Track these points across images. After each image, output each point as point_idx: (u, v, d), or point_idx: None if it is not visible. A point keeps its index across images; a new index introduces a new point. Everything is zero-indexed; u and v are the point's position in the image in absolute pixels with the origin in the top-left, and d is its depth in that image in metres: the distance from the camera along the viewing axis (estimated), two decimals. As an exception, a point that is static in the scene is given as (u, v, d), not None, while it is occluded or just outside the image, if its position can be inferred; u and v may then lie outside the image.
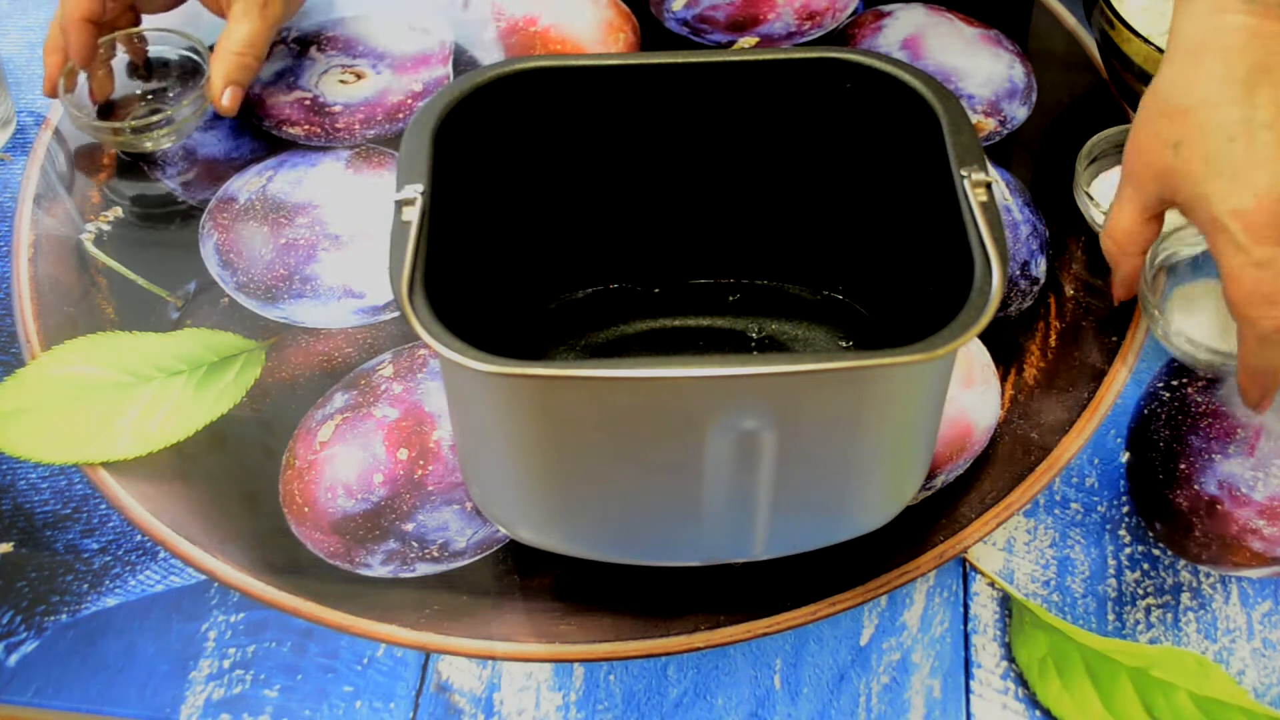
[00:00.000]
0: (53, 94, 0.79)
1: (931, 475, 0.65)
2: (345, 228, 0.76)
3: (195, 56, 0.82)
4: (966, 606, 0.62)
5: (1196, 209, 0.60)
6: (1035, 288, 0.73)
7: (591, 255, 0.68)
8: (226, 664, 0.60)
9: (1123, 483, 0.66)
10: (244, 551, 0.64)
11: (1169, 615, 0.61)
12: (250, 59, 0.79)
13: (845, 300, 0.69)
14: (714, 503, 0.54)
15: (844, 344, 0.68)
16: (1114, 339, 0.71)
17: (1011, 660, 0.60)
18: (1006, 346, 0.71)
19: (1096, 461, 0.66)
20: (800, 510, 0.56)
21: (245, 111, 0.82)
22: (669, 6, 0.89)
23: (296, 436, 0.67)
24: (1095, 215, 0.73)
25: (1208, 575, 0.63)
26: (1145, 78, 0.75)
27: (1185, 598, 0.62)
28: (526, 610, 0.61)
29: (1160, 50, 0.72)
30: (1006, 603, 0.62)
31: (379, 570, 0.63)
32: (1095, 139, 0.75)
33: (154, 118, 0.79)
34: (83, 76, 0.80)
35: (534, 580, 0.62)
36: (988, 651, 0.60)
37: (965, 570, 0.63)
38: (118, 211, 0.78)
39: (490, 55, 0.87)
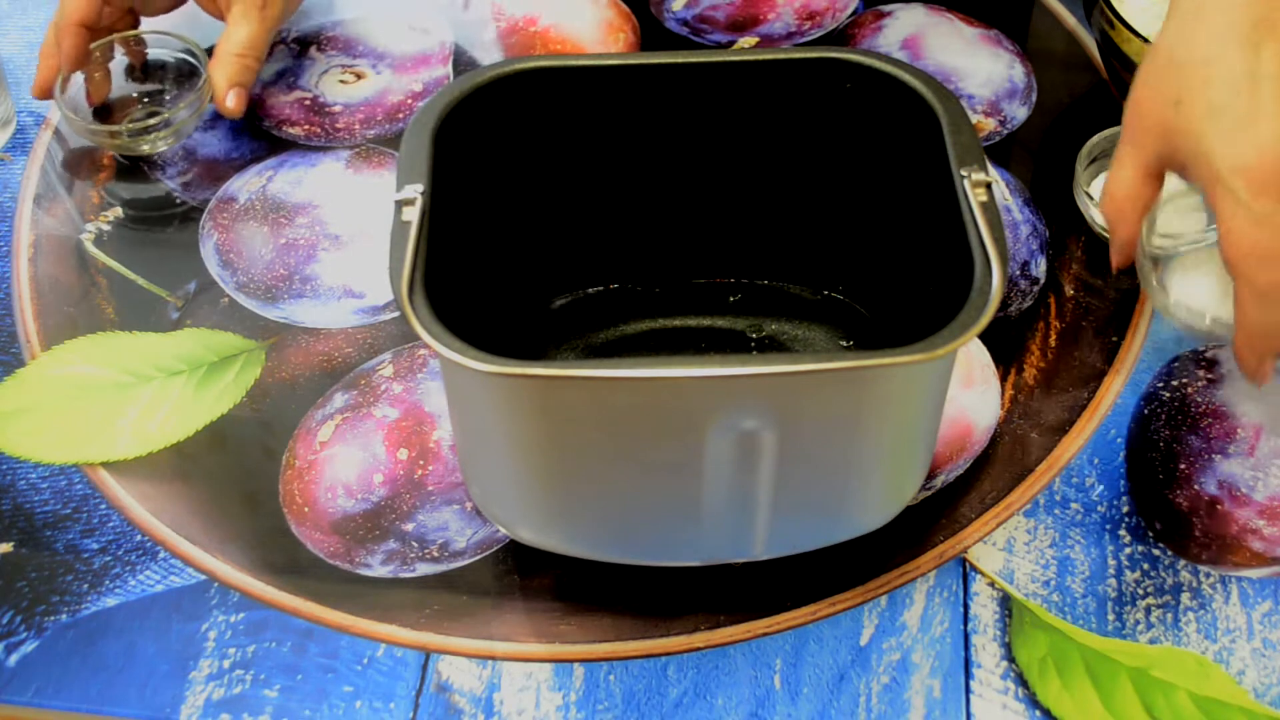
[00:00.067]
0: (41, 96, 0.79)
1: (931, 475, 0.65)
2: (345, 228, 0.76)
3: (192, 59, 0.81)
4: (966, 606, 0.62)
5: (1197, 165, 0.58)
6: (1035, 288, 0.73)
7: (592, 255, 0.68)
8: (226, 664, 0.60)
9: (1123, 483, 0.66)
10: (244, 551, 0.64)
11: (1169, 615, 0.61)
12: (251, 60, 0.79)
13: (845, 300, 0.69)
14: (714, 503, 0.54)
15: (844, 344, 0.68)
16: (1114, 339, 0.71)
17: (1011, 660, 0.60)
18: (1006, 346, 0.71)
19: (1096, 461, 0.66)
20: (800, 510, 0.56)
21: (245, 112, 0.82)
22: (669, 6, 0.89)
23: (296, 436, 0.67)
24: (1095, 215, 0.73)
25: (1208, 575, 0.63)
26: (1145, 78, 0.75)
27: (1185, 598, 0.62)
28: (526, 610, 0.61)
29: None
30: (1006, 603, 0.62)
31: (379, 570, 0.63)
32: (1095, 139, 0.75)
33: (151, 120, 0.79)
34: (79, 79, 0.80)
35: (534, 580, 0.62)
36: (988, 651, 0.60)
37: (965, 570, 0.63)
38: (118, 211, 0.78)
39: (490, 55, 0.87)
